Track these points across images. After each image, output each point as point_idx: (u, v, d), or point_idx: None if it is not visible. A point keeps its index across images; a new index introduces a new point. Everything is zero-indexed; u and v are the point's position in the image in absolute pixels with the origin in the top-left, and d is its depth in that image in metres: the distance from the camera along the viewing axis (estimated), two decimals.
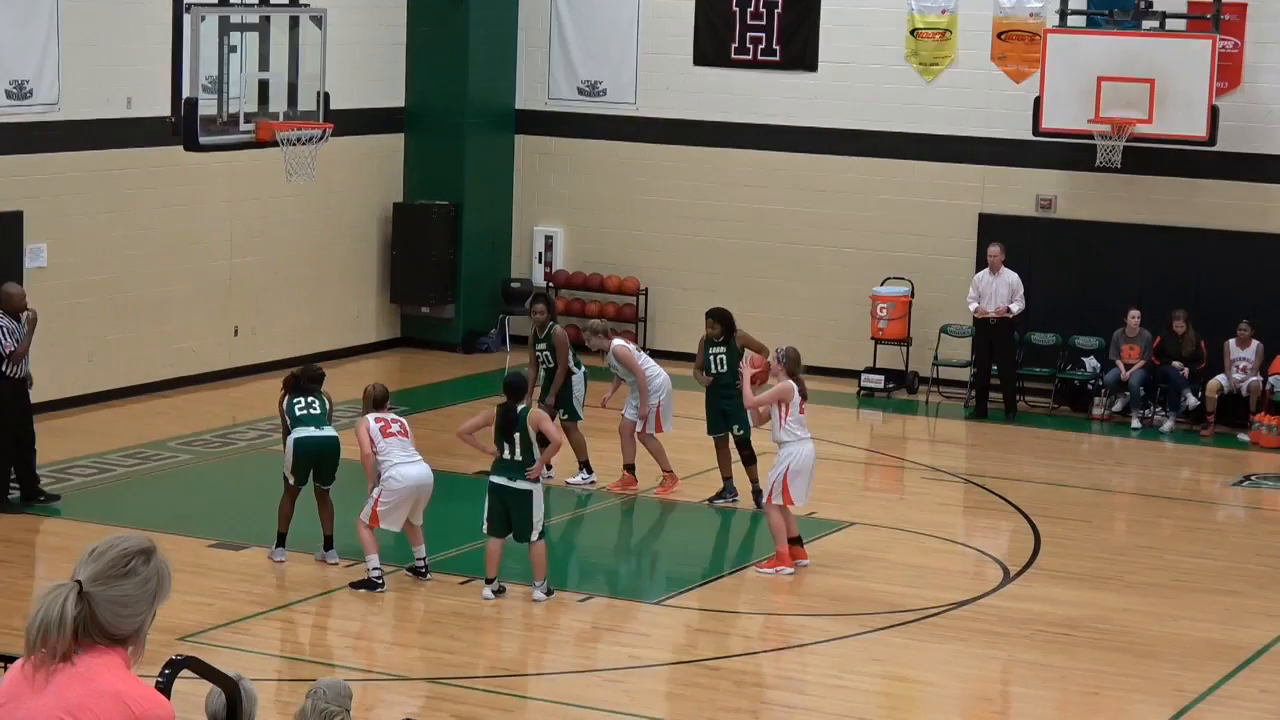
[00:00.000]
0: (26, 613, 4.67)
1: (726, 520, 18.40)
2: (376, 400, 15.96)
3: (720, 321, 18.38)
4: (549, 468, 17.45)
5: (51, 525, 17.10)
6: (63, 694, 4.57)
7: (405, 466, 15.57)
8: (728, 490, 18.42)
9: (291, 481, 15.99)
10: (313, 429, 15.95)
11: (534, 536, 15.17)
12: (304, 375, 16.34)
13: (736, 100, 25.11)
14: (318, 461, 15.97)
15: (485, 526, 15.36)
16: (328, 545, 16.15)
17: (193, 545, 16.26)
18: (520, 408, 15.32)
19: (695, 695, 13.52)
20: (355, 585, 15.52)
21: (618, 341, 18.81)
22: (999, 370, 23.18)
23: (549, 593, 15.33)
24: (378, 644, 14.78)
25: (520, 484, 15.14)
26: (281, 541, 16.10)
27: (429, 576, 15.72)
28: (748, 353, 17.73)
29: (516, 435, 15.15)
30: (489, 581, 15.37)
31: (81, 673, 4.58)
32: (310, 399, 16.06)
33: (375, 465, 15.56)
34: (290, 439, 15.98)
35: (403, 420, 15.96)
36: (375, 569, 15.48)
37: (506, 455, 15.23)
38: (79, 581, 4.60)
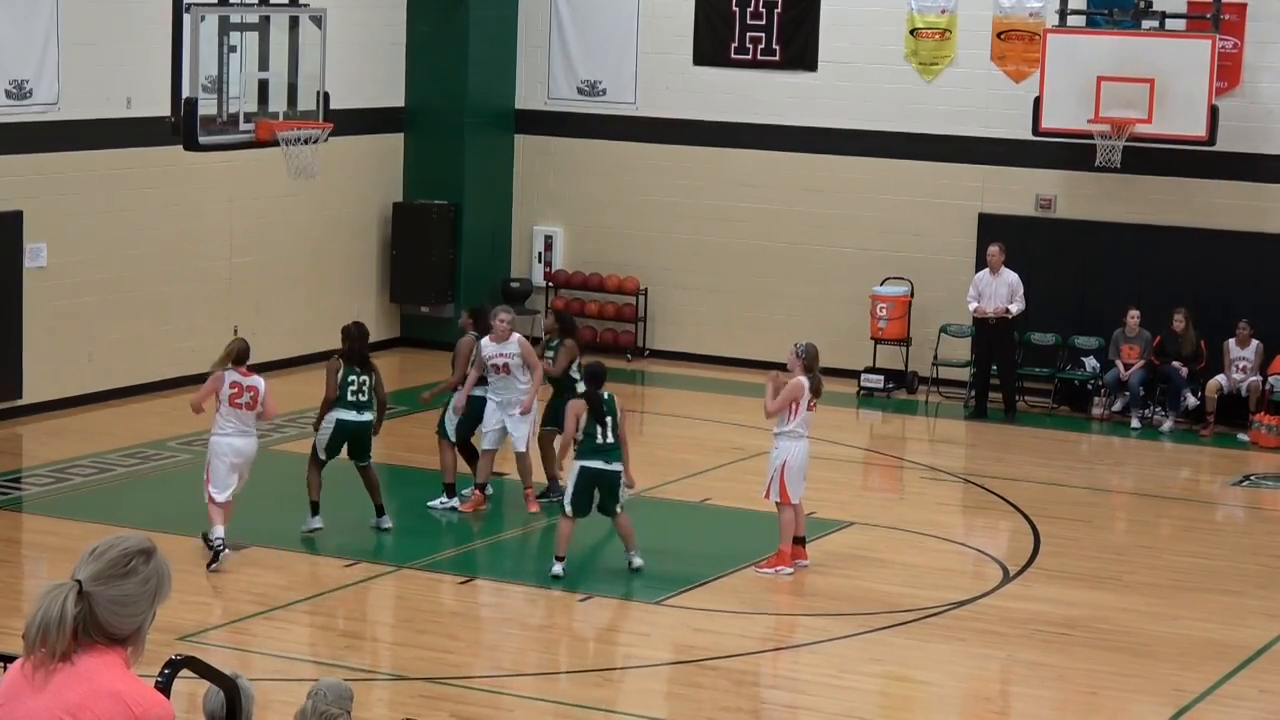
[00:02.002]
0: (26, 612, 4.68)
1: (726, 520, 18.39)
2: (238, 356, 15.97)
3: (561, 324, 18.23)
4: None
5: (51, 525, 17.09)
6: (62, 694, 4.58)
7: (234, 439, 15.83)
8: (553, 489, 17.84)
9: (323, 457, 16.53)
10: (354, 414, 16.48)
11: (619, 510, 15.86)
12: (357, 347, 16.49)
13: (736, 100, 25.10)
14: (350, 440, 16.50)
15: (569, 509, 15.78)
16: (380, 513, 16.76)
17: (193, 545, 16.25)
18: (607, 394, 15.88)
19: (695, 695, 13.52)
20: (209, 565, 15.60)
21: (483, 341, 17.45)
22: (999, 370, 23.17)
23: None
24: (378, 644, 14.80)
25: (614, 465, 15.79)
26: (315, 510, 16.54)
27: (214, 566, 15.57)
28: (773, 377, 16.96)
29: (609, 419, 15.73)
30: (559, 559, 15.77)
31: (81, 672, 4.58)
32: (362, 379, 16.49)
33: (215, 424, 15.78)
34: (333, 417, 16.43)
35: (259, 387, 15.93)
36: (218, 539, 15.64)
37: (600, 440, 15.76)
38: (79, 581, 4.60)
